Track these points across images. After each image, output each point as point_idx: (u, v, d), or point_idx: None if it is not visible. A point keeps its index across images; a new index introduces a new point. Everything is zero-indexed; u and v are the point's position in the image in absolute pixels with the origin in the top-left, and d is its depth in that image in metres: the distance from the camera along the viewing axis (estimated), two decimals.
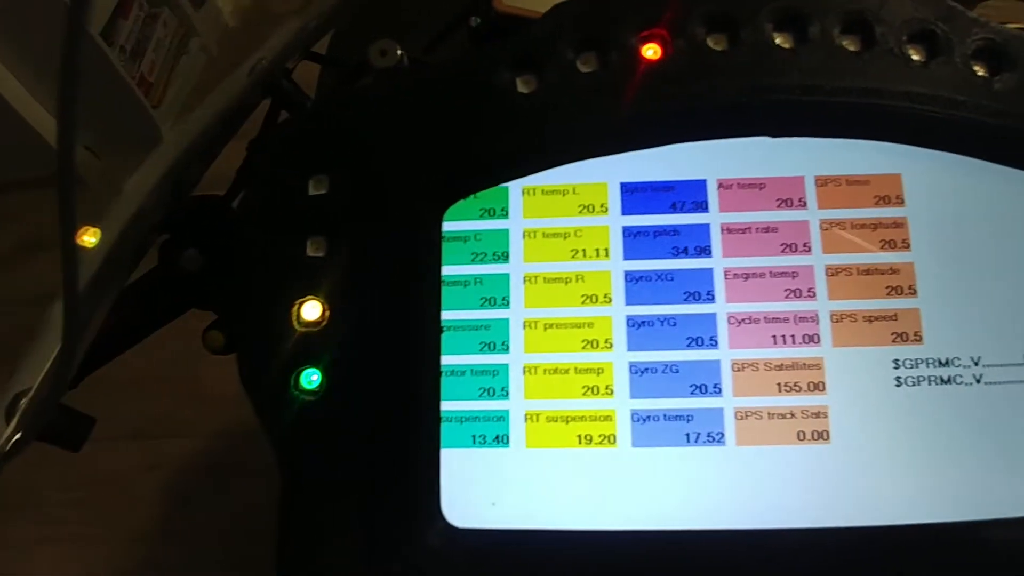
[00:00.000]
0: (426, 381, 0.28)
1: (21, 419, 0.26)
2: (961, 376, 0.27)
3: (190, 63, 1.56)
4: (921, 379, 0.27)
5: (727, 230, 0.29)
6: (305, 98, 0.42)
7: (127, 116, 1.43)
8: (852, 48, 0.28)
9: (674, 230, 0.29)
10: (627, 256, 0.29)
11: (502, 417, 0.28)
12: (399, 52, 0.33)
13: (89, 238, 0.28)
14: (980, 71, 0.28)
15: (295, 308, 0.28)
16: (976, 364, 0.28)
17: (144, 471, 1.12)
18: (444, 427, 0.28)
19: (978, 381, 0.27)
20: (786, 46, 0.28)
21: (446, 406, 0.28)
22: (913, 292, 0.28)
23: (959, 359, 0.28)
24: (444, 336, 0.29)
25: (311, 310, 0.28)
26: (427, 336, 0.28)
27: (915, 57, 0.28)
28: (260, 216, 0.30)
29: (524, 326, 0.29)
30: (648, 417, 0.28)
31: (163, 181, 0.31)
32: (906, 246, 0.28)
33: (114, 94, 1.37)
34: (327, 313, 0.28)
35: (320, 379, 0.27)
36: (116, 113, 1.40)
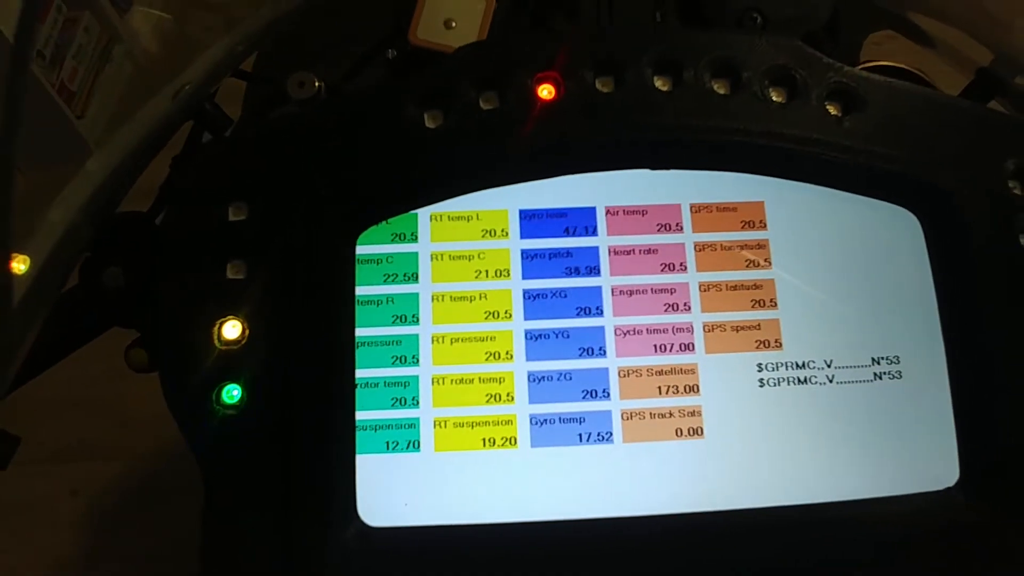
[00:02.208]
0: (342, 393, 0.29)
1: None
2: (816, 377, 0.31)
3: (115, 71, 1.50)
4: (781, 380, 0.31)
5: (614, 252, 0.32)
6: (227, 120, 0.42)
7: (47, 125, 1.36)
8: (721, 91, 0.31)
9: (567, 252, 0.32)
10: (525, 276, 0.31)
11: (413, 424, 0.30)
12: (316, 84, 0.34)
13: (19, 265, 0.28)
14: (833, 111, 0.31)
15: (216, 327, 0.29)
16: (829, 366, 0.31)
17: (66, 495, 1.08)
18: (359, 435, 0.29)
19: (831, 381, 0.31)
20: (664, 88, 0.31)
21: (361, 415, 0.30)
22: (774, 305, 0.31)
23: (814, 362, 0.31)
24: (358, 351, 0.30)
25: (231, 329, 0.29)
26: (342, 351, 0.30)
27: (776, 99, 0.31)
28: (182, 240, 0.30)
29: (433, 340, 0.31)
30: (545, 420, 0.30)
31: (89, 204, 0.31)
32: (768, 264, 0.32)
33: (32, 102, 1.30)
34: (247, 332, 0.29)
35: (241, 394, 0.28)
36: (35, 122, 1.33)
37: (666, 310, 0.31)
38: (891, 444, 0.30)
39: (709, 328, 0.31)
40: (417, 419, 0.30)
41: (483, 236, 0.32)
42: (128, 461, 1.10)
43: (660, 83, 0.31)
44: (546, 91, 0.31)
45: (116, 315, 0.35)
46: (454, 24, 0.36)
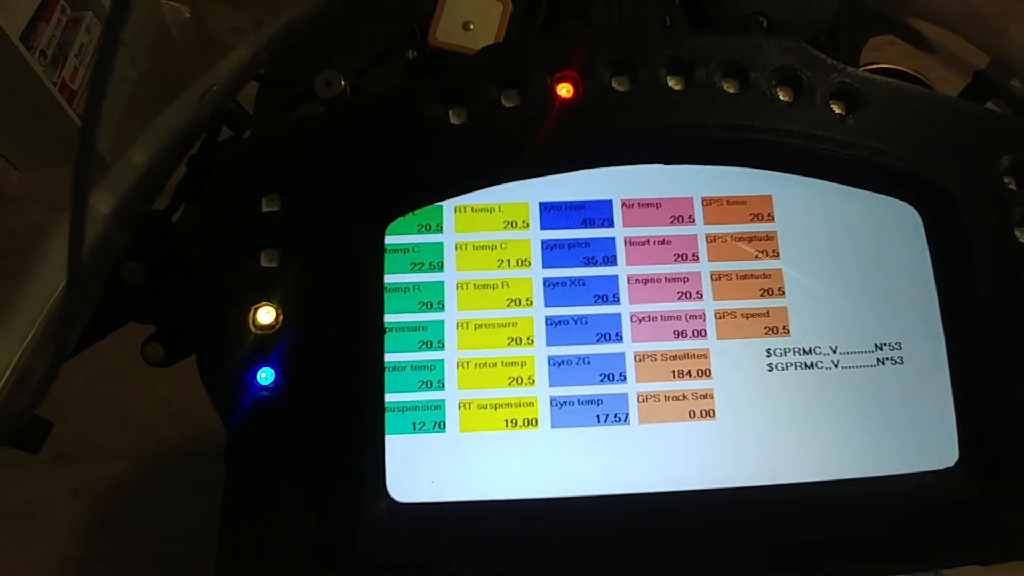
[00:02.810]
0: (371, 376, 0.30)
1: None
2: (822, 362, 0.32)
3: (118, 73, 1.49)
4: (789, 365, 0.32)
5: (629, 242, 0.33)
6: (249, 118, 0.43)
7: (48, 123, 1.35)
8: (731, 90, 0.32)
9: (585, 242, 0.33)
10: (546, 265, 0.33)
11: (439, 406, 0.31)
12: (343, 82, 0.36)
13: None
14: (837, 109, 0.33)
15: (251, 313, 0.30)
16: (834, 352, 0.32)
17: (67, 495, 1.08)
18: (388, 416, 0.31)
19: (836, 366, 0.32)
20: (677, 88, 0.32)
21: (389, 398, 0.31)
22: (782, 293, 0.33)
23: (820, 348, 0.32)
24: (387, 336, 0.31)
25: (266, 315, 0.30)
26: (372, 336, 0.31)
27: (783, 98, 0.32)
28: (216, 230, 0.31)
29: (457, 326, 0.32)
30: (565, 402, 0.31)
31: (128, 204, 0.32)
32: (776, 255, 0.33)
33: (33, 100, 1.30)
34: (280, 317, 0.30)
35: (274, 376, 0.29)
36: (35, 120, 1.32)
37: (679, 298, 0.32)
38: (894, 425, 0.32)
39: (720, 315, 0.32)
40: (443, 401, 0.31)
41: (505, 227, 0.33)
42: (129, 462, 1.10)
43: (673, 82, 0.32)
44: (565, 90, 0.32)
45: (134, 310, 0.35)
46: (472, 26, 0.38)
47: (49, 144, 1.34)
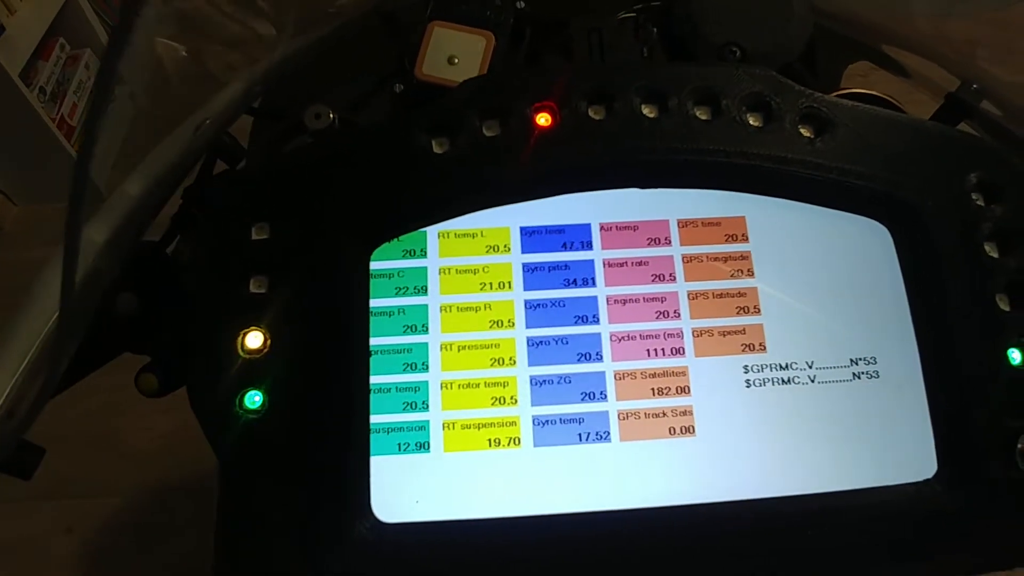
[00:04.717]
0: (357, 398, 0.31)
1: None
2: (799, 377, 0.33)
3: (116, 109, 1.51)
4: (767, 381, 0.33)
5: (608, 264, 0.34)
6: (242, 151, 0.45)
7: (46, 159, 1.37)
8: (703, 117, 0.34)
9: (565, 265, 0.34)
10: (527, 287, 0.33)
11: (423, 427, 0.32)
12: (331, 115, 0.37)
13: None
14: (806, 133, 0.34)
15: (239, 338, 0.31)
16: (811, 367, 0.33)
17: (60, 532, 1.07)
18: (373, 437, 0.31)
19: (813, 381, 0.33)
20: (651, 115, 0.33)
21: (375, 419, 0.31)
22: (758, 311, 0.33)
23: (796, 364, 0.33)
24: (372, 359, 0.32)
25: (254, 339, 0.31)
26: (357, 359, 0.32)
27: (753, 123, 0.34)
28: (207, 256, 0.32)
29: (441, 348, 0.32)
30: (546, 421, 0.32)
31: (121, 234, 0.33)
32: (751, 274, 0.34)
33: (31, 136, 1.31)
34: (268, 342, 0.31)
35: (262, 400, 0.30)
36: (34, 155, 1.34)
37: (657, 317, 0.33)
38: (871, 439, 0.32)
39: (698, 333, 0.33)
40: (427, 422, 0.32)
41: (487, 251, 0.34)
42: (123, 498, 1.09)
43: (647, 111, 0.34)
44: (543, 119, 0.33)
45: (128, 340, 0.36)
46: (456, 60, 0.39)
47: (47, 180, 1.35)
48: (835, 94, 0.39)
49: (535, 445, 0.32)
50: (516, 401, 0.32)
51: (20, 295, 0.31)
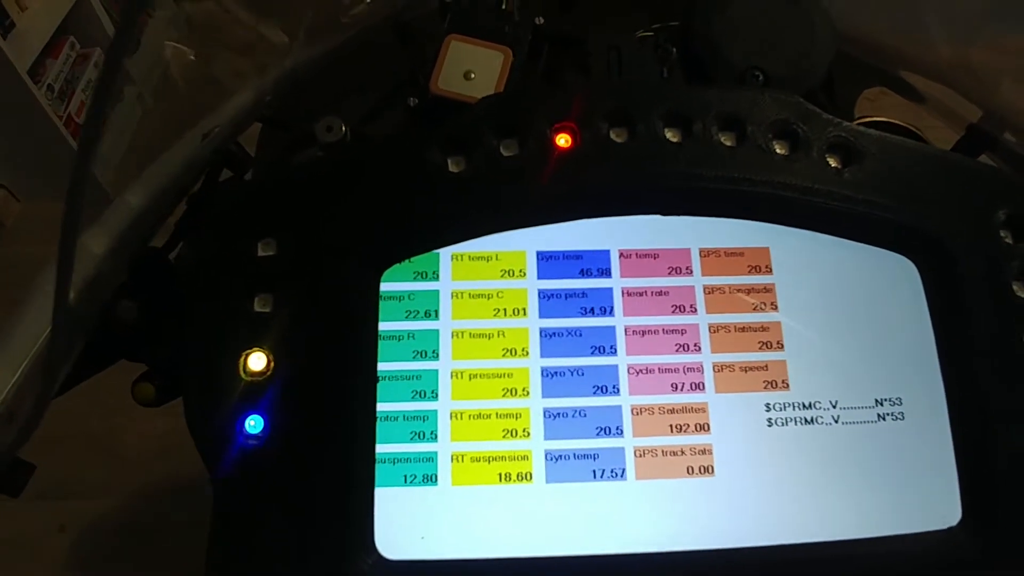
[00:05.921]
0: (362, 426, 0.30)
1: None
2: (822, 417, 0.32)
3: (124, 110, 1.51)
4: (789, 420, 0.31)
5: (627, 293, 0.33)
6: (249, 160, 0.44)
7: (51, 156, 1.36)
8: (728, 143, 0.33)
9: (582, 293, 0.33)
10: (542, 315, 0.32)
11: (431, 458, 0.30)
12: (343, 128, 0.36)
13: None
14: (833, 163, 0.33)
15: (242, 359, 0.30)
16: (834, 407, 0.32)
17: (53, 532, 1.06)
18: (378, 468, 0.30)
19: (836, 421, 0.32)
20: (674, 140, 0.33)
21: (380, 449, 0.30)
22: (781, 347, 0.32)
23: (820, 403, 0.32)
24: (380, 385, 0.31)
25: (257, 361, 0.30)
26: (364, 385, 0.30)
27: (779, 151, 0.33)
28: (209, 272, 0.31)
29: (452, 376, 0.31)
30: (560, 456, 0.31)
31: (123, 244, 0.32)
32: (774, 308, 0.33)
33: (38, 133, 1.31)
34: (271, 364, 0.30)
35: (263, 425, 0.29)
36: (39, 152, 1.34)
37: (677, 350, 0.32)
38: (895, 484, 0.31)
39: (719, 368, 0.32)
40: (435, 453, 0.31)
41: (502, 276, 0.33)
42: (117, 499, 1.09)
43: (671, 135, 0.33)
44: (563, 140, 0.32)
45: (126, 348, 0.35)
46: (473, 75, 0.38)
47: (52, 177, 1.35)
48: (858, 122, 0.38)
49: (547, 481, 0.30)
50: (529, 434, 0.31)
51: (22, 290, 0.30)
